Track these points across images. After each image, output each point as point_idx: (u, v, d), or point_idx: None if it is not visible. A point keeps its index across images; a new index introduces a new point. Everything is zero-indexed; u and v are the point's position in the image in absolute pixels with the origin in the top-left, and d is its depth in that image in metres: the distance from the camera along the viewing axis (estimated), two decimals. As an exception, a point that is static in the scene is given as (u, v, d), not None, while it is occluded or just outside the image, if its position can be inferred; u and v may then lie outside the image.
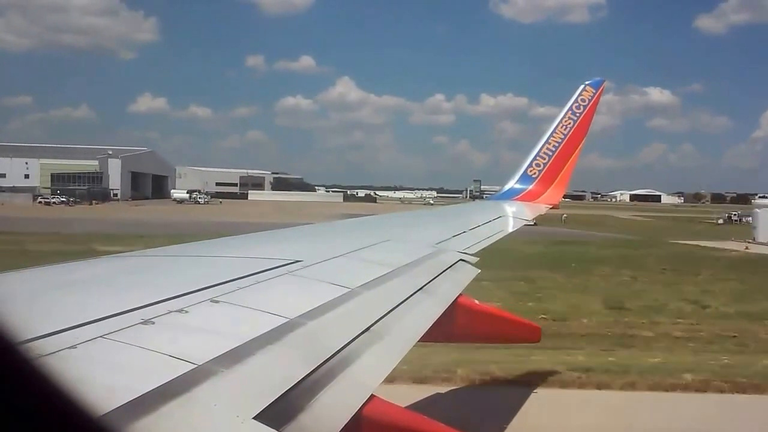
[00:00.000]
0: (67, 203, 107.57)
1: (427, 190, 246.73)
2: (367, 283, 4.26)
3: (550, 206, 13.59)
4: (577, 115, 13.92)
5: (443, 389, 13.83)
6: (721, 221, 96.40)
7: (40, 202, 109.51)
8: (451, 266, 5.85)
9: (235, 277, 3.67)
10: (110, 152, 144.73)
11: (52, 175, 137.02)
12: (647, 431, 12.24)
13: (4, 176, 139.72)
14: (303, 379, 2.53)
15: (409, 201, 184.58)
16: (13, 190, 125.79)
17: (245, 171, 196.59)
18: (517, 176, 13.95)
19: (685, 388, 14.40)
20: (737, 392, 14.22)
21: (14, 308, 2.71)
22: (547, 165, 13.75)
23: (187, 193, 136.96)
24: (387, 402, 2.92)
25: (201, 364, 2.33)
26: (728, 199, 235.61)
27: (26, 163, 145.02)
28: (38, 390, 1.29)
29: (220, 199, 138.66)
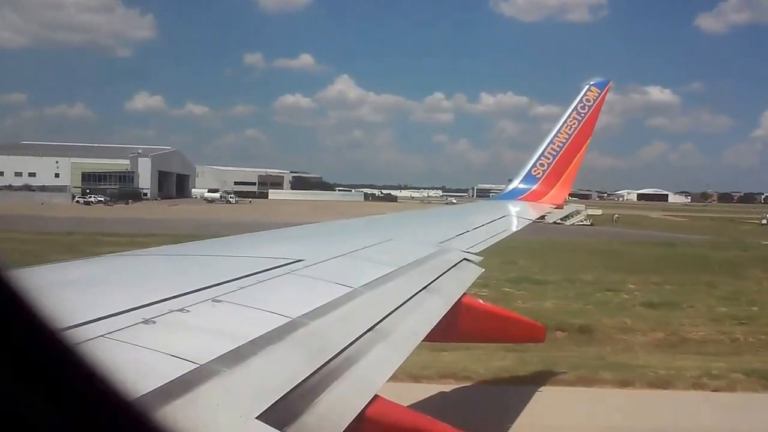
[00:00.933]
0: (105, 203, 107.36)
1: (431, 189, 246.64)
2: (370, 282, 4.24)
3: (555, 206, 13.57)
4: (582, 115, 13.90)
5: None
6: (765, 221, 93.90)
7: (77, 201, 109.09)
8: (454, 265, 5.83)
9: (237, 276, 3.66)
10: (140, 151, 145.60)
11: (83, 174, 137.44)
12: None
13: (35, 175, 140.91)
14: (306, 378, 2.52)
15: (428, 200, 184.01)
16: (44, 189, 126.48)
17: (264, 170, 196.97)
18: (521, 176, 13.94)
19: None
20: None
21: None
22: (552, 165, 13.73)
23: (214, 192, 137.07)
24: (391, 402, 2.90)
25: (203, 363, 2.31)
26: (735, 198, 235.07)
27: (57, 162, 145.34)
28: (81, 373, 1.34)
29: (249, 199, 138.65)
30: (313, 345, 2.93)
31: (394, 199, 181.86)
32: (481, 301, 5.77)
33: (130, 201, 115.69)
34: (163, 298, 2.99)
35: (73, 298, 3.08)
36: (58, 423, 1.20)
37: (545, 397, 13.43)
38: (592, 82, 14.36)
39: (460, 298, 5.05)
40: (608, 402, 13.46)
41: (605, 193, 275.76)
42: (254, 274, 3.79)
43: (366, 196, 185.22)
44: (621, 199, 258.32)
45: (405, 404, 3.30)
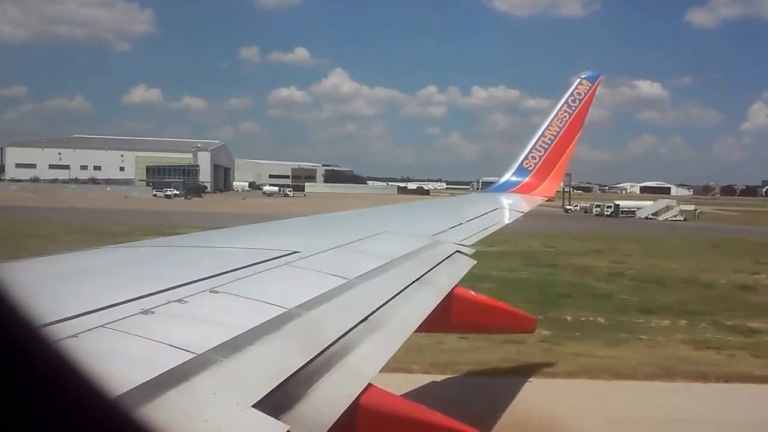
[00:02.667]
0: (185, 197, 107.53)
1: (436, 181, 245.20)
2: (364, 273, 4.29)
3: (546, 198, 13.65)
4: (573, 108, 13.96)
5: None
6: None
7: (155, 195, 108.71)
8: (447, 257, 5.88)
9: (234, 267, 3.70)
10: (199, 145, 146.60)
11: (148, 168, 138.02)
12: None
13: (100, 168, 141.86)
14: (301, 368, 2.56)
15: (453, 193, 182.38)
16: (109, 182, 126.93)
17: (296, 163, 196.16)
18: (513, 168, 13.99)
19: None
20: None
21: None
22: (543, 158, 13.79)
23: (272, 185, 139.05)
24: (384, 391, 2.96)
25: (200, 353, 2.35)
26: (738, 191, 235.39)
27: (122, 155, 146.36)
28: (58, 372, 1.32)
29: (303, 192, 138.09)
30: (308, 335, 2.98)
31: (426, 192, 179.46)
32: (472, 292, 5.84)
33: (202, 194, 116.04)
34: (162, 289, 3.02)
35: (72, 289, 3.12)
36: (37, 423, 1.19)
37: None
38: (583, 76, 14.42)
39: (452, 289, 5.11)
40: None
41: (606, 186, 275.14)
42: (251, 265, 3.83)
43: (400, 190, 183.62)
44: (624, 192, 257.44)
45: (398, 393, 3.36)
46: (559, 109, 14.00)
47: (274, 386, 2.32)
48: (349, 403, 2.57)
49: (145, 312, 2.67)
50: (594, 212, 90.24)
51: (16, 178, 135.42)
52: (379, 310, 3.64)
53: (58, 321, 2.36)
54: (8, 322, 1.29)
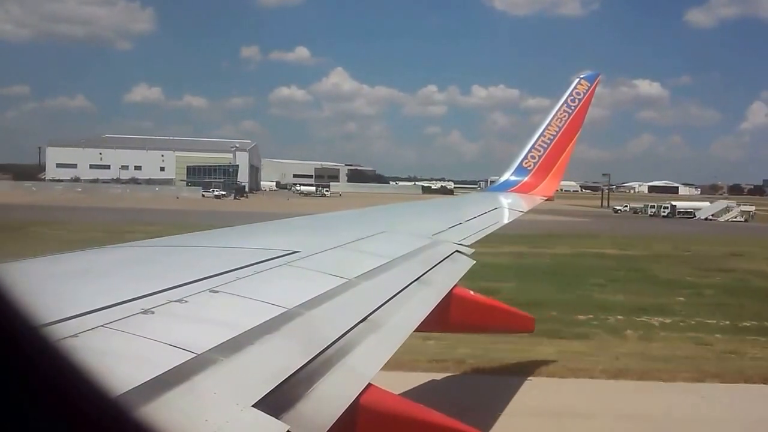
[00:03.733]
0: (234, 197, 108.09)
1: (445, 180, 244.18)
2: (364, 273, 4.30)
3: (546, 198, 13.65)
4: (572, 108, 13.97)
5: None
6: None
7: (203, 196, 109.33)
8: (447, 257, 5.89)
9: (234, 267, 3.70)
10: (237, 145, 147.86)
11: (188, 168, 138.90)
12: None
13: (140, 168, 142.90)
14: (301, 368, 2.57)
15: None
16: (150, 182, 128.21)
17: (319, 163, 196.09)
18: (512, 168, 14.00)
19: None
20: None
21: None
22: (543, 157, 13.80)
23: (306, 186, 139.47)
24: (384, 390, 2.96)
25: (201, 353, 2.36)
26: (746, 190, 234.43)
27: (162, 155, 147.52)
28: (60, 371, 1.33)
29: (339, 192, 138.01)
30: (308, 335, 2.99)
31: (450, 191, 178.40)
32: (472, 292, 5.85)
33: (247, 195, 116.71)
34: (162, 288, 3.03)
35: (72, 288, 3.12)
36: (39, 422, 1.19)
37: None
38: (582, 76, 14.45)
39: (452, 289, 5.12)
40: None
41: (613, 185, 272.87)
42: (251, 265, 3.84)
43: (424, 189, 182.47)
44: (632, 191, 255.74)
45: (397, 391, 3.37)
46: (559, 109, 14.02)
47: (274, 386, 2.33)
48: (349, 403, 2.58)
49: (145, 312, 2.68)
50: (648, 213, 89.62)
51: (57, 177, 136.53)
52: (378, 310, 3.65)
53: (58, 321, 2.36)
54: (9, 321, 1.29)
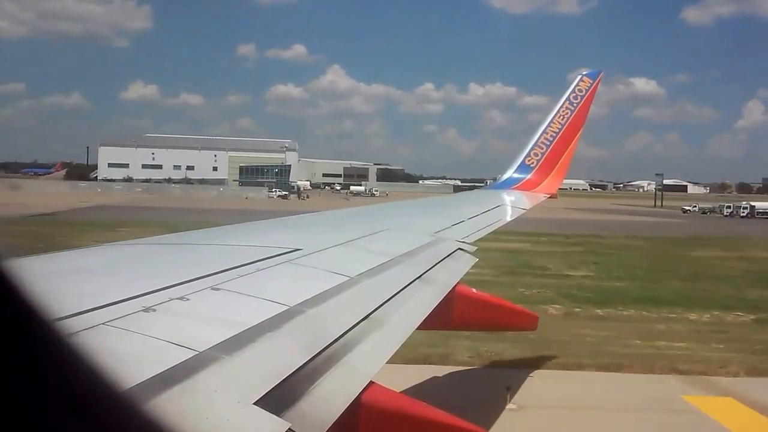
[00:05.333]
0: (298, 197, 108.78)
1: (441, 179, 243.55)
2: (366, 271, 4.30)
3: (548, 195, 13.64)
4: (575, 105, 13.96)
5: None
6: None
7: (269, 196, 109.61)
8: (449, 255, 5.88)
9: (236, 265, 3.70)
10: (287, 145, 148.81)
11: (240, 168, 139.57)
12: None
13: (193, 168, 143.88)
14: (303, 365, 2.56)
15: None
16: (203, 182, 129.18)
17: (348, 162, 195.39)
18: (515, 166, 13.98)
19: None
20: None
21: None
22: (545, 155, 13.78)
23: (357, 186, 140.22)
24: (386, 388, 2.96)
25: (202, 350, 2.35)
26: (754, 189, 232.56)
27: (215, 155, 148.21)
28: (68, 365, 1.34)
29: (386, 191, 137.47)
30: (309, 333, 2.98)
31: None
32: (474, 290, 5.84)
33: (308, 195, 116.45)
34: (164, 286, 3.03)
35: (75, 286, 3.12)
36: (50, 417, 1.19)
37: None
38: (584, 73, 14.44)
39: (454, 287, 5.11)
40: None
41: (621, 184, 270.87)
42: (253, 262, 3.84)
43: (456, 188, 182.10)
44: (641, 190, 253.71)
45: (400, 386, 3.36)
46: (561, 107, 14.00)
47: (276, 384, 2.33)
48: (351, 401, 2.57)
49: (147, 309, 2.67)
50: (724, 213, 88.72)
51: (109, 177, 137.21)
52: (380, 308, 3.65)
53: (59, 318, 2.36)
54: (24, 315, 1.30)
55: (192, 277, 3.27)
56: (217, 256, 4.29)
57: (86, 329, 2.33)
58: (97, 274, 3.57)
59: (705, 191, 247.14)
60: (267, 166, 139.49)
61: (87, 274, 3.52)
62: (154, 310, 2.69)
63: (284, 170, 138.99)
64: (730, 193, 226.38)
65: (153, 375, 2.06)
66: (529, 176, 13.71)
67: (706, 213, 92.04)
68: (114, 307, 2.61)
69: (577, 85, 14.16)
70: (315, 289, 3.57)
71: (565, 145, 13.88)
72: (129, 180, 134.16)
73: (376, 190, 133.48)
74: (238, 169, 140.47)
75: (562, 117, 13.89)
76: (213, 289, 3.19)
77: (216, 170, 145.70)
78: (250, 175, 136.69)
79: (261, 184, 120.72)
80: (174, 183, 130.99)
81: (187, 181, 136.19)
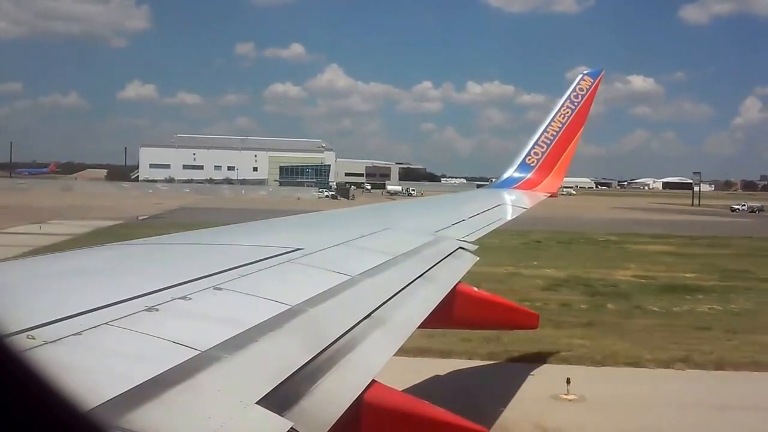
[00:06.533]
0: (347, 197, 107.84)
1: (458, 178, 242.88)
2: (367, 270, 4.30)
3: (549, 194, 13.63)
4: (575, 104, 13.94)
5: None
6: None
7: (319, 198, 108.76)
8: (450, 254, 5.89)
9: (238, 264, 3.71)
10: (324, 145, 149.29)
11: (281, 168, 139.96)
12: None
13: (234, 168, 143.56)
14: (305, 365, 2.57)
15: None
16: (244, 182, 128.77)
17: (370, 161, 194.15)
18: (515, 165, 13.97)
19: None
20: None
21: (19, 296, 2.74)
22: (546, 154, 13.76)
23: (393, 186, 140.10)
24: (388, 387, 2.96)
25: (204, 350, 2.36)
26: (759, 186, 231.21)
27: (255, 156, 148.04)
28: (24, 385, 1.30)
29: (422, 191, 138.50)
30: (311, 332, 2.99)
31: None
32: (475, 288, 5.85)
33: (353, 195, 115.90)
34: (166, 286, 3.03)
35: (76, 286, 3.13)
36: None
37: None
38: (585, 72, 14.43)
39: (455, 286, 5.12)
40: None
41: (625, 181, 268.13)
42: (254, 262, 3.85)
43: (478, 187, 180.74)
44: (646, 188, 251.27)
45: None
46: (562, 106, 13.98)
47: (278, 383, 2.33)
48: (353, 400, 2.58)
49: (149, 309, 2.68)
50: None
51: (150, 178, 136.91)
52: (382, 307, 3.65)
53: (62, 318, 2.37)
54: None
55: (194, 277, 3.28)
56: (218, 256, 4.30)
57: (88, 329, 2.34)
58: (100, 273, 3.58)
59: (710, 189, 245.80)
60: (307, 166, 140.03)
61: (90, 273, 3.53)
62: (157, 310, 2.70)
63: (323, 170, 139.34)
64: (735, 191, 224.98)
65: (155, 375, 2.07)
66: (529, 175, 13.69)
67: (755, 211, 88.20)
68: (117, 307, 2.61)
69: (578, 84, 14.14)
70: (316, 288, 3.58)
71: (566, 144, 13.86)
72: (171, 180, 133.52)
73: (413, 190, 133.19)
74: (278, 169, 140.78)
75: (562, 116, 13.87)
76: (215, 288, 3.19)
77: (256, 170, 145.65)
78: (289, 175, 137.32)
79: (300, 184, 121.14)
80: (216, 183, 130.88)
81: (228, 181, 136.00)
